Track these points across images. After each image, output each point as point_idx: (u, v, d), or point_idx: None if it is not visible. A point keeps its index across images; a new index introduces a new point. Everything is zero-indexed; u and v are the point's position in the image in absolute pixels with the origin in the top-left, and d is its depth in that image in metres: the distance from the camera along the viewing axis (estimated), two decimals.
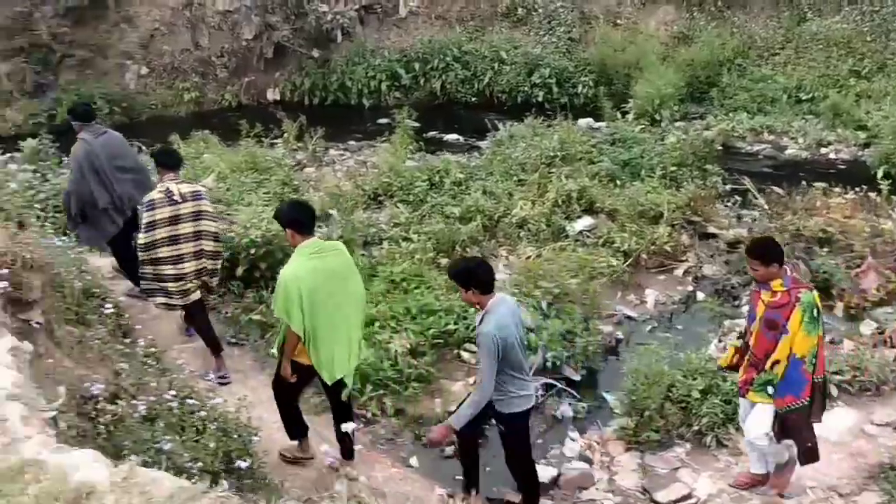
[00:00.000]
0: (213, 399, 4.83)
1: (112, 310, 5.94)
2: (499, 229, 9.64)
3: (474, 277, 4.77)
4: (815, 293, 4.98)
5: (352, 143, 14.60)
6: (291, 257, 5.11)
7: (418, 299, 7.87)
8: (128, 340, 5.18)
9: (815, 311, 4.85)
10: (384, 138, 13.21)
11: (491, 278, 4.83)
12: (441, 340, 7.37)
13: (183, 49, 17.89)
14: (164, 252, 6.04)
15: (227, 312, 7.73)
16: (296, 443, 5.49)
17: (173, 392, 4.14)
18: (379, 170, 11.40)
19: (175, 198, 6.08)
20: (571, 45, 17.37)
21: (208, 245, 6.32)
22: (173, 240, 6.07)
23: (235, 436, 4.33)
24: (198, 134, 12.72)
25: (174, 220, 6.06)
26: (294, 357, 5.09)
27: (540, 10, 17.70)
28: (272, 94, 17.89)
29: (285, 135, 12.82)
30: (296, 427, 5.44)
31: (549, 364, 7.20)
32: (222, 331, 7.23)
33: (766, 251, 5.01)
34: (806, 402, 4.94)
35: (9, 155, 10.54)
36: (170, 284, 6.13)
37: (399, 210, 10.06)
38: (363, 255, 8.86)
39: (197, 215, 6.20)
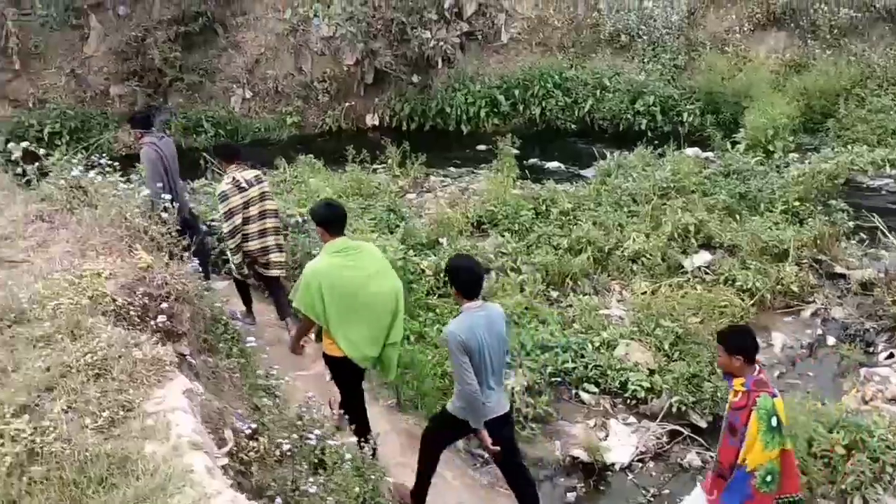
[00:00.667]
0: (343, 434, 4.68)
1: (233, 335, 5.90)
2: (610, 262, 9.32)
3: (456, 277, 4.84)
4: (778, 400, 4.34)
5: (451, 169, 14.50)
6: (319, 254, 5.46)
7: (532, 334, 7.64)
8: (259, 372, 5.07)
9: (773, 419, 4.22)
10: (484, 165, 13.08)
11: (473, 282, 4.80)
12: (558, 379, 7.11)
13: (286, 74, 18.25)
14: (248, 232, 6.80)
15: None
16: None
17: (318, 431, 4.00)
18: (482, 197, 11.24)
19: (242, 185, 6.75)
20: (677, 72, 16.92)
21: (272, 221, 7.00)
22: (246, 220, 6.78)
23: (371, 476, 4.17)
24: (302, 157, 12.87)
25: (246, 204, 6.75)
26: (327, 351, 5.40)
27: (644, 37, 17.33)
28: (371, 120, 18.02)
29: (389, 161, 12.85)
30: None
31: (673, 409, 6.86)
32: None
33: (730, 339, 4.49)
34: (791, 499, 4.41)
35: (126, 177, 10.79)
36: (259, 258, 6.95)
37: (505, 239, 9.87)
38: None
39: (262, 196, 6.89)
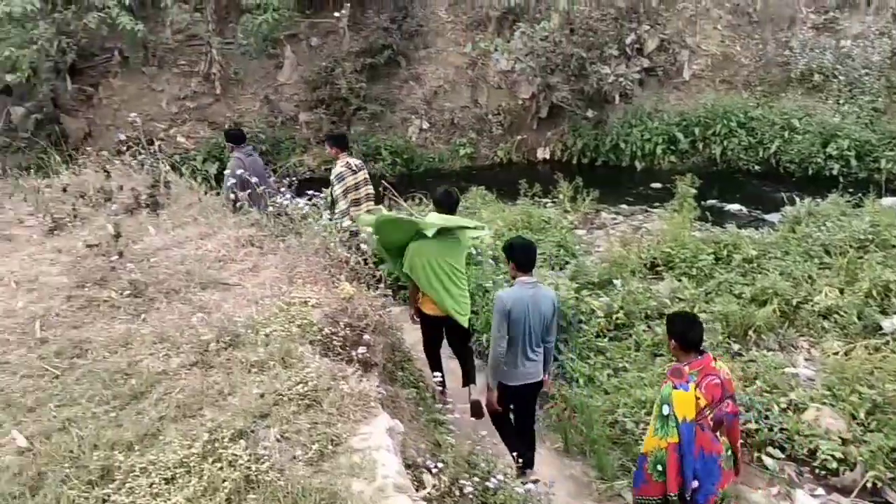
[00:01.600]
0: (523, 480, 4.61)
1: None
2: (798, 317, 8.68)
3: (512, 253, 5.50)
4: (679, 392, 4.23)
5: (624, 206, 14.20)
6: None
7: None
8: (438, 406, 5.12)
9: (665, 407, 4.23)
10: (658, 204, 12.67)
11: (527, 258, 5.45)
12: (741, 440, 6.69)
13: (462, 106, 18.66)
14: (356, 203, 8.19)
15: None
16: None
17: (500, 476, 3.97)
18: (657, 237, 10.88)
19: (353, 168, 8.30)
20: (876, 115, 15.72)
21: (371, 197, 8.52)
22: (356, 201, 8.21)
23: None
24: (474, 189, 13.04)
25: (356, 185, 8.25)
26: (421, 307, 6.31)
27: (840, 77, 16.28)
28: (542, 153, 18.03)
29: (560, 195, 12.77)
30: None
31: (868, 485, 6.26)
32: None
33: (671, 322, 4.69)
34: (669, 499, 4.29)
35: (311, 202, 11.34)
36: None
37: (682, 284, 9.47)
38: (645, 329, 8.43)
39: (365, 181, 8.41)
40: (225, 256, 4.93)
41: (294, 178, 8.25)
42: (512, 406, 5.74)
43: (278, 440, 3.00)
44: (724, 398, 4.49)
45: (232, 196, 7.25)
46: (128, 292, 4.36)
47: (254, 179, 7.76)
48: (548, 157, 17.98)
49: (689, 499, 4.34)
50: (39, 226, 5.64)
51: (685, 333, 4.49)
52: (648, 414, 7.10)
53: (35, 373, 3.58)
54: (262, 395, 3.29)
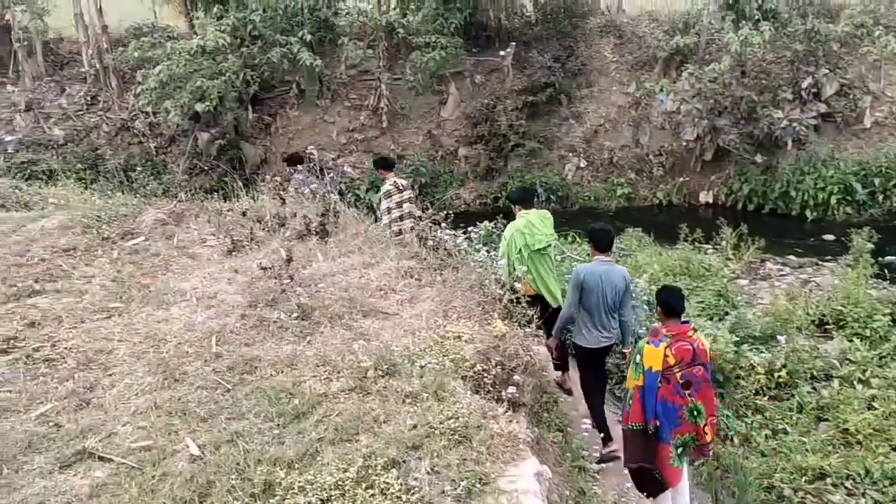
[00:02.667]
0: None
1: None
2: None
3: (594, 236, 6.42)
4: (652, 347, 5.21)
5: (791, 257, 13.44)
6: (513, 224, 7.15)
7: (882, 461, 6.69)
8: (584, 453, 5.02)
9: (637, 357, 5.31)
10: (830, 257, 11.90)
11: (605, 240, 6.31)
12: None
13: (623, 145, 18.43)
14: (399, 219, 8.91)
15: None
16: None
17: None
18: (827, 293, 10.20)
19: (400, 187, 9.13)
20: None
21: (414, 214, 8.87)
22: (401, 218, 8.92)
23: None
24: (630, 230, 12.79)
25: (400, 203, 9.02)
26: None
27: None
28: (705, 197, 17.44)
29: (722, 242, 12.28)
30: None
31: None
32: None
33: (659, 293, 5.65)
34: (632, 427, 5.30)
35: (465, 235, 11.53)
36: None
37: (853, 345, 8.81)
38: (809, 391, 7.91)
39: (409, 200, 9.13)
40: (385, 286, 5.11)
41: (450, 211, 8.40)
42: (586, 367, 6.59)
43: (428, 473, 3.06)
44: (695, 363, 5.27)
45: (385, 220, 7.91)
46: (295, 315, 4.61)
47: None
48: (710, 201, 17.37)
49: (651, 432, 5.24)
50: (220, 246, 6.07)
51: (668, 302, 5.44)
52: (809, 482, 6.66)
53: (209, 385, 3.85)
54: (414, 426, 3.36)
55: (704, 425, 5.32)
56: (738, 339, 8.49)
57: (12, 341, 4.40)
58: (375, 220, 8.07)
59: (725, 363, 7.85)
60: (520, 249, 6.83)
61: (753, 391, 7.91)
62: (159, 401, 3.70)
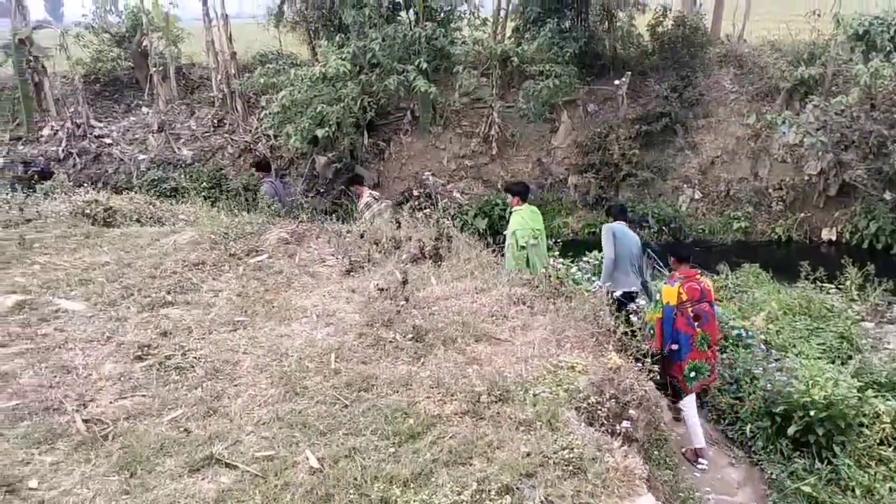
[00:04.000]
0: None
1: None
2: None
3: (612, 212, 8.46)
4: (669, 286, 6.74)
5: None
6: (517, 213, 8.42)
7: None
8: (697, 494, 4.87)
9: (657, 295, 7.11)
10: None
11: (624, 212, 8.49)
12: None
13: (740, 178, 17.89)
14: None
15: (771, 473, 7.05)
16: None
17: None
18: None
19: (375, 198, 10.29)
20: None
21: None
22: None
23: None
24: (746, 266, 12.35)
25: (379, 211, 9.57)
26: None
27: None
28: (827, 234, 16.65)
29: (846, 282, 11.67)
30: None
31: None
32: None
33: (671, 248, 8.23)
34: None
35: (575, 264, 11.44)
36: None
37: None
38: None
39: (382, 210, 9.76)
40: (497, 312, 5.14)
41: (558, 240, 8.44)
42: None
43: (542, 502, 3.05)
44: (703, 300, 6.70)
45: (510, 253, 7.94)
46: (410, 336, 4.71)
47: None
48: (834, 238, 16.56)
49: (667, 354, 6.63)
50: (338, 266, 6.27)
51: (679, 251, 7.18)
52: None
53: (328, 400, 3.98)
54: (528, 454, 3.36)
55: (711, 351, 6.79)
56: (861, 384, 8.02)
57: (147, 349, 4.68)
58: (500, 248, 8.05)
59: (847, 409, 7.44)
60: (531, 237, 8.13)
61: (878, 441, 7.43)
62: (281, 412, 3.85)
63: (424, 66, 18.03)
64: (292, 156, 20.37)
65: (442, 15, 20.61)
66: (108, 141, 21.47)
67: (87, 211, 7.82)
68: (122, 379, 4.29)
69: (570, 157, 19.42)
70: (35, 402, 4.02)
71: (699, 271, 6.99)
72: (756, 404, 7.37)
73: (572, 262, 11.31)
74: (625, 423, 3.83)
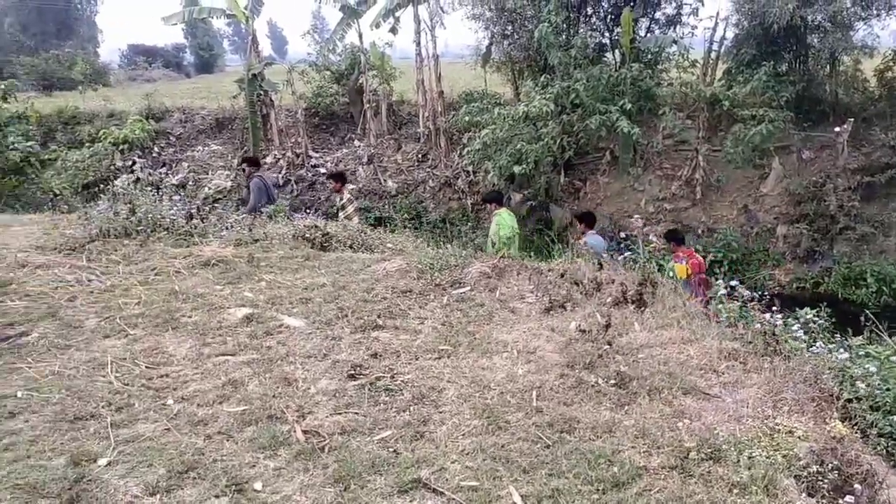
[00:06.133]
0: None
1: None
2: None
3: (585, 219, 10.53)
4: (680, 265, 9.44)
5: None
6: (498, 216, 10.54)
7: None
8: None
9: (669, 272, 8.93)
10: None
11: (592, 220, 10.62)
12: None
13: None
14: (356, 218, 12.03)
15: None
16: None
17: None
18: None
19: (355, 195, 13.46)
20: None
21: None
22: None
23: None
24: None
25: (358, 209, 12.62)
26: None
27: None
28: None
29: None
30: None
31: None
32: None
33: (667, 235, 10.48)
34: None
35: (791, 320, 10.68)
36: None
37: None
38: None
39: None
40: (706, 365, 4.93)
41: (764, 293, 7.91)
42: None
43: None
44: (700, 273, 9.41)
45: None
46: (613, 381, 4.62)
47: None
48: None
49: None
50: (537, 303, 6.30)
51: (676, 235, 10.23)
52: None
53: (530, 437, 3.98)
54: None
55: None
56: None
57: (359, 368, 4.93)
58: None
59: None
60: (510, 237, 9.96)
61: None
62: (484, 444, 3.90)
63: (628, 106, 17.82)
64: None
65: (649, 56, 20.34)
66: (322, 170, 23.07)
67: (307, 235, 8.42)
68: (336, 395, 4.55)
69: (779, 206, 18.33)
70: (259, 410, 4.36)
71: (693, 249, 10.10)
72: None
73: (785, 318, 10.62)
74: (848, 498, 3.52)
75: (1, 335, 5.57)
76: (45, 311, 6.08)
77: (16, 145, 15.98)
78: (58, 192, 16.90)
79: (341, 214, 12.29)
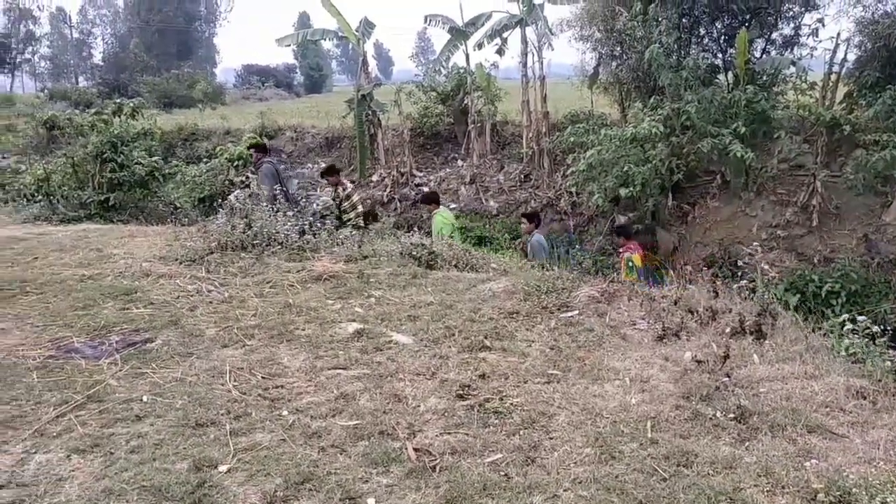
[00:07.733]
0: None
1: None
2: None
3: (534, 219, 11.93)
4: (635, 255, 11.57)
5: None
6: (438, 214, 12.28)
7: None
8: None
9: (629, 262, 11.24)
10: None
11: (539, 220, 12.16)
12: None
13: None
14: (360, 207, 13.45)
15: None
16: None
17: None
18: None
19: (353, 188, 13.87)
20: None
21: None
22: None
23: None
24: None
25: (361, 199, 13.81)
26: None
27: None
28: None
29: None
30: None
31: None
32: None
33: (618, 230, 12.89)
34: None
35: None
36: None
37: None
38: None
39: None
40: (832, 403, 4.67)
41: (886, 327, 7.44)
42: None
43: None
44: (648, 259, 11.68)
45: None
46: (732, 415, 4.44)
47: None
48: None
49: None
50: (649, 331, 6.15)
51: (628, 231, 13.10)
52: None
53: (645, 469, 3.86)
54: None
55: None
56: None
57: (467, 388, 4.93)
58: None
59: None
60: (452, 232, 11.50)
61: None
62: (597, 474, 3.81)
63: (742, 130, 17.25)
64: (592, 213, 20.56)
65: (765, 78, 19.67)
66: (425, 189, 23.36)
67: (414, 253, 8.52)
68: (445, 414, 4.56)
69: None
70: (371, 425, 4.41)
71: (637, 242, 12.48)
72: None
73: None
74: None
75: (128, 341, 5.88)
76: (167, 319, 6.38)
77: (141, 160, 16.89)
78: (178, 205, 17.75)
79: (346, 205, 12.90)
